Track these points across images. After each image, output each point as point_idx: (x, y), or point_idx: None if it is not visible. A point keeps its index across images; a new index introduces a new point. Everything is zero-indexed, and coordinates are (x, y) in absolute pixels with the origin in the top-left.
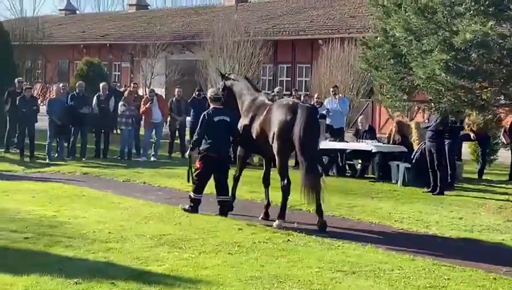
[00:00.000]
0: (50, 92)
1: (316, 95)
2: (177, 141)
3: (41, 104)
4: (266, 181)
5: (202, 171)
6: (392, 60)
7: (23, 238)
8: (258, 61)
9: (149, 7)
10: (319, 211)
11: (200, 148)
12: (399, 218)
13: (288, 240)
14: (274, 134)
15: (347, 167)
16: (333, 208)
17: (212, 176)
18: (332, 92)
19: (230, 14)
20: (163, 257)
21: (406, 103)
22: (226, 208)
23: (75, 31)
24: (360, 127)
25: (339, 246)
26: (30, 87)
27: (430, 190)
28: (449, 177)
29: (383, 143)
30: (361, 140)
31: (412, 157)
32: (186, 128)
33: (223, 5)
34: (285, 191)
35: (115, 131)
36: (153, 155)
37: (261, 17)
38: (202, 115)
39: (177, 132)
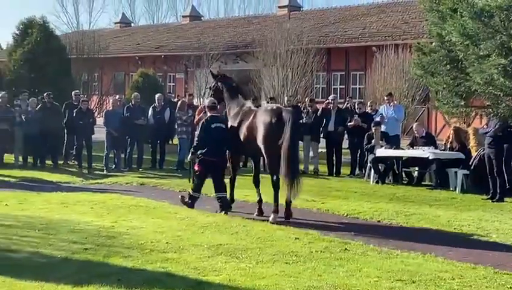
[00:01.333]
0: (106, 104)
1: (369, 103)
2: None
3: (99, 116)
4: (257, 182)
5: (200, 172)
6: (448, 66)
7: (82, 249)
8: (312, 70)
9: (202, 18)
10: (289, 205)
11: (198, 152)
12: (458, 226)
13: (346, 249)
14: (261, 136)
15: (404, 174)
16: (390, 216)
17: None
18: (386, 100)
19: (282, 23)
20: (221, 267)
21: (463, 108)
22: (223, 203)
23: (130, 43)
24: (416, 135)
25: (397, 255)
26: (86, 100)
27: (489, 196)
28: (508, 184)
29: (440, 150)
30: (415, 146)
31: (470, 163)
32: None
33: (276, 14)
34: (275, 186)
35: (170, 142)
36: None
37: (313, 25)
38: (201, 122)
39: None
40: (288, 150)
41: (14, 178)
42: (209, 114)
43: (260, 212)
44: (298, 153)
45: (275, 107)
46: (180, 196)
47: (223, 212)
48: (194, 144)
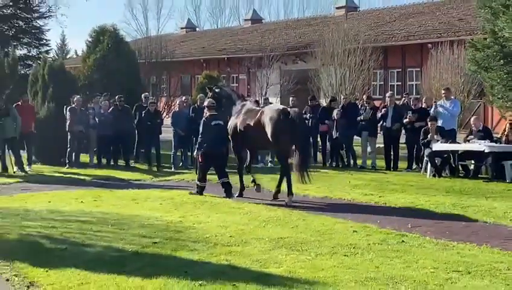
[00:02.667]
0: (174, 105)
1: (423, 99)
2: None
3: (167, 116)
4: (249, 169)
5: (202, 163)
6: (501, 61)
7: (152, 243)
8: (368, 68)
9: (263, 21)
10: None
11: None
12: None
13: (403, 241)
14: (271, 131)
15: (460, 167)
16: (447, 208)
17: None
18: (443, 94)
19: (340, 24)
20: (281, 259)
21: None
22: (227, 187)
23: (196, 47)
24: (473, 128)
25: (453, 246)
26: (154, 102)
27: None
28: None
29: (496, 143)
30: (472, 140)
31: None
32: None
33: (333, 14)
34: (286, 172)
35: None
36: (270, 161)
37: (370, 24)
38: (202, 120)
39: None
40: (299, 146)
41: (89, 176)
42: (208, 113)
43: (240, 194)
44: (309, 148)
45: (281, 108)
46: (190, 193)
47: (227, 197)
48: (198, 141)
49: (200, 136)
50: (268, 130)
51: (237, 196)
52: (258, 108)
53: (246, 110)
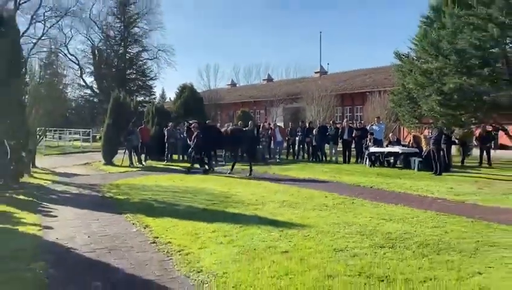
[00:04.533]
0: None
1: (363, 122)
2: (291, 151)
3: None
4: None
5: (199, 159)
6: (408, 101)
7: (212, 203)
8: (333, 106)
9: (274, 80)
10: (251, 170)
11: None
12: (416, 189)
13: (353, 202)
14: (231, 139)
15: (385, 161)
16: (378, 184)
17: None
18: (376, 120)
19: (316, 81)
20: (284, 213)
21: (417, 125)
22: (204, 172)
23: (236, 94)
24: (390, 139)
25: (382, 205)
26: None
27: (433, 172)
28: (444, 165)
29: (405, 147)
30: (391, 146)
31: (422, 154)
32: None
33: (312, 76)
34: (235, 159)
35: (260, 146)
36: (278, 158)
37: (334, 81)
38: (195, 134)
39: (291, 145)
40: (246, 147)
41: (178, 167)
42: (195, 132)
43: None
44: (254, 149)
45: (235, 128)
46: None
47: (205, 173)
48: (192, 145)
49: (194, 144)
50: (229, 137)
51: (204, 173)
52: (223, 129)
53: (214, 129)
